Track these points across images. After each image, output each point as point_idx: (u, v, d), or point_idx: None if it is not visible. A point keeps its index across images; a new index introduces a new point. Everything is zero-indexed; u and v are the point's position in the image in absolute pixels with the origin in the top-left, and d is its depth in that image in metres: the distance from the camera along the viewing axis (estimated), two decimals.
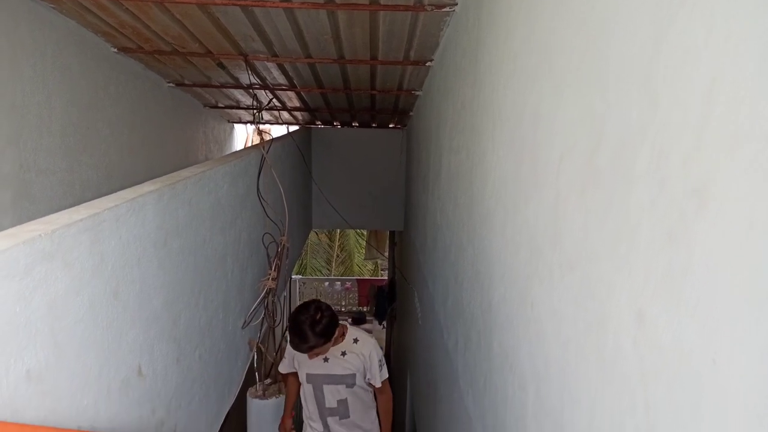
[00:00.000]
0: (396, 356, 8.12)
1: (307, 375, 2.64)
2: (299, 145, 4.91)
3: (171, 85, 4.37)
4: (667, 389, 0.65)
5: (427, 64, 3.47)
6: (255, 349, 3.00)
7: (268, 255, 3.01)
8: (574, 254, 0.95)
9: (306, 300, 2.83)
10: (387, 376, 2.75)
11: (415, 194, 4.86)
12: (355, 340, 2.66)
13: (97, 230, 1.29)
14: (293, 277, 12.87)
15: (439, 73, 3.26)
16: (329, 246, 16.11)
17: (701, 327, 0.59)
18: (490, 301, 1.67)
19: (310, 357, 2.53)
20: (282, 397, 3.01)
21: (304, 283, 13.18)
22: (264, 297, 2.90)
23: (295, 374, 2.81)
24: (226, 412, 2.60)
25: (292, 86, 4.36)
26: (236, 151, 3.21)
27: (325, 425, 2.68)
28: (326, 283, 13.19)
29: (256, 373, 3.03)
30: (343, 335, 2.65)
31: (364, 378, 2.67)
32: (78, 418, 1.21)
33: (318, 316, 2.41)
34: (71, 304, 1.19)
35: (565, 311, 0.99)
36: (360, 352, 2.62)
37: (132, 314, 1.51)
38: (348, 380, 2.63)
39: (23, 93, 2.52)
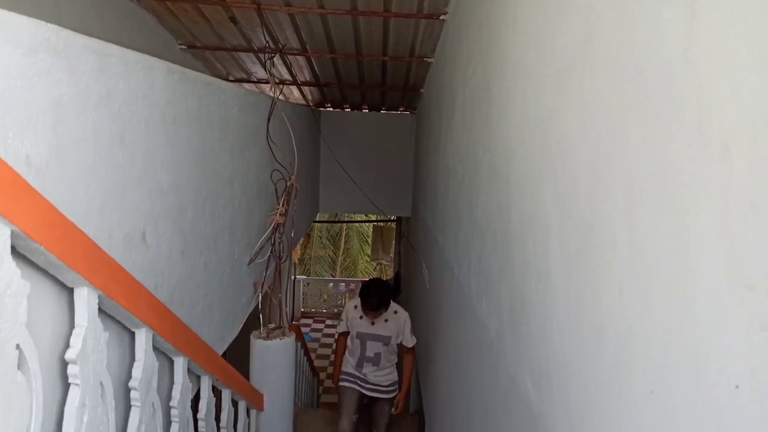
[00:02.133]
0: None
1: (358, 333, 3.50)
2: (313, 111, 4.87)
3: (183, 46, 4.37)
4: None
5: (441, 18, 3.45)
6: (260, 291, 2.93)
7: (276, 191, 2.96)
8: (612, 41, 0.89)
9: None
10: (416, 341, 3.60)
11: (425, 166, 4.82)
12: (395, 312, 3.53)
13: (104, 59, 1.25)
14: (298, 277, 12.79)
15: (452, 27, 3.23)
16: (334, 253, 16.08)
17: None
18: (509, 186, 1.61)
19: (370, 318, 3.40)
20: (286, 340, 2.94)
21: (308, 284, 13.07)
22: (271, 233, 2.83)
23: (346, 335, 3.63)
24: (228, 343, 2.53)
25: (303, 50, 4.34)
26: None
27: (360, 366, 3.55)
28: (330, 285, 13.09)
29: (260, 316, 2.96)
30: (387, 309, 3.46)
31: (396, 340, 3.52)
32: None
33: (383, 286, 3.45)
34: (76, 120, 1.14)
35: (598, 109, 0.93)
36: (397, 320, 3.50)
37: (138, 173, 1.45)
38: (385, 340, 3.48)
39: (34, 5, 2.50)
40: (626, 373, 0.81)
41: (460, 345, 2.45)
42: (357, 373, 3.56)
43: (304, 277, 13.40)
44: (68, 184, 1.12)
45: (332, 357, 10.09)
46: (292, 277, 11.51)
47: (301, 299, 12.72)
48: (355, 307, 3.51)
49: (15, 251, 0.91)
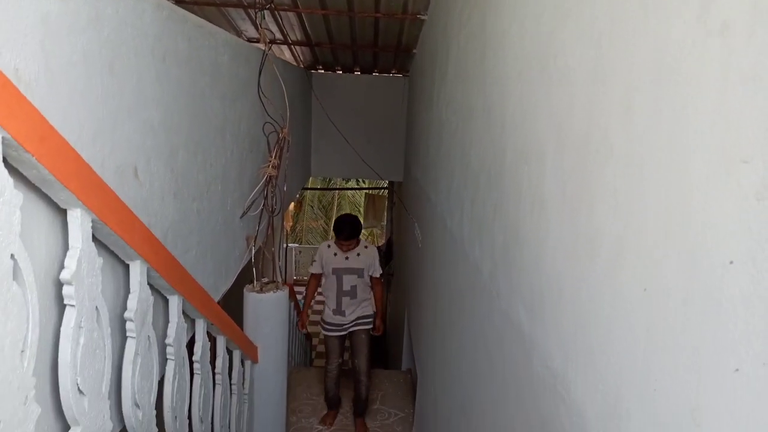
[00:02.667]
0: (393, 313, 8.08)
1: (333, 269, 3.87)
2: (304, 73, 4.80)
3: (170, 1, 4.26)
4: None
5: None
6: (253, 245, 2.93)
7: (268, 143, 2.94)
8: None
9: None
10: (381, 271, 4.07)
11: (418, 126, 4.79)
12: (365, 247, 4.01)
13: None
14: (290, 245, 12.81)
15: None
16: (326, 223, 16.10)
17: None
18: (504, 123, 1.60)
19: (344, 250, 3.85)
20: (279, 293, 2.96)
21: (300, 252, 13.12)
22: (264, 185, 2.82)
23: (318, 277, 4.02)
24: (221, 293, 2.54)
25: (294, 6, 4.26)
26: None
27: (339, 302, 3.90)
28: None
29: (254, 270, 2.97)
30: (358, 243, 3.96)
31: (369, 271, 3.94)
32: None
33: (355, 220, 3.98)
34: (65, 40, 1.11)
35: (600, 8, 0.92)
36: (368, 254, 3.96)
37: (128, 105, 1.43)
38: (359, 272, 3.88)
39: None
40: (619, 276, 0.82)
41: (453, 295, 2.47)
42: (336, 321, 3.92)
43: (297, 245, 13.43)
44: (59, 105, 1.10)
45: None
46: (285, 245, 11.55)
47: (294, 267, 12.77)
48: (329, 246, 3.96)
49: (7, 164, 0.90)
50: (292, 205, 15.06)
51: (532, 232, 1.26)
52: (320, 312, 10.11)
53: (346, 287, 3.85)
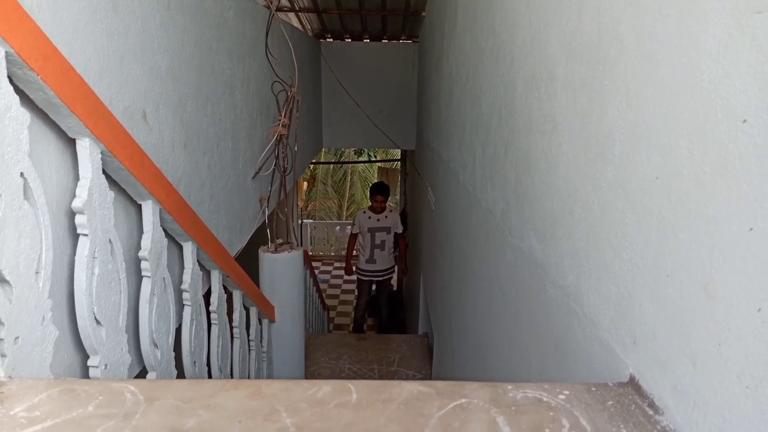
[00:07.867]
0: (408, 282, 8.10)
1: (368, 228, 5.40)
2: (315, 43, 4.75)
3: None
4: None
5: None
6: (266, 206, 2.94)
7: (278, 103, 2.92)
8: None
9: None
10: (403, 228, 5.76)
11: (429, 89, 4.74)
12: (390, 210, 5.59)
13: None
14: (305, 221, 12.87)
15: None
16: (339, 200, 16.14)
17: None
18: (513, 58, 1.57)
19: (378, 205, 5.41)
20: (294, 253, 2.97)
21: (315, 227, 13.18)
22: (275, 144, 2.82)
23: (356, 236, 5.59)
24: (236, 250, 2.56)
25: None
26: None
27: (372, 253, 5.48)
28: (337, 228, 13.18)
29: (268, 231, 2.98)
30: (385, 208, 5.50)
31: (393, 229, 5.51)
32: None
33: (386, 185, 5.61)
34: None
35: None
36: (392, 215, 5.55)
37: (134, 48, 1.43)
38: (387, 229, 5.46)
39: None
40: (631, 173, 0.80)
41: (467, 245, 2.47)
42: (368, 268, 5.56)
43: (311, 221, 13.49)
44: (64, 36, 1.10)
45: (341, 297, 10.38)
46: (300, 221, 11.59)
47: (309, 243, 12.84)
48: (364, 212, 5.54)
49: (13, 85, 0.90)
50: (305, 184, 15.09)
51: (543, 156, 1.24)
52: (338, 285, 10.39)
53: (378, 241, 5.44)
